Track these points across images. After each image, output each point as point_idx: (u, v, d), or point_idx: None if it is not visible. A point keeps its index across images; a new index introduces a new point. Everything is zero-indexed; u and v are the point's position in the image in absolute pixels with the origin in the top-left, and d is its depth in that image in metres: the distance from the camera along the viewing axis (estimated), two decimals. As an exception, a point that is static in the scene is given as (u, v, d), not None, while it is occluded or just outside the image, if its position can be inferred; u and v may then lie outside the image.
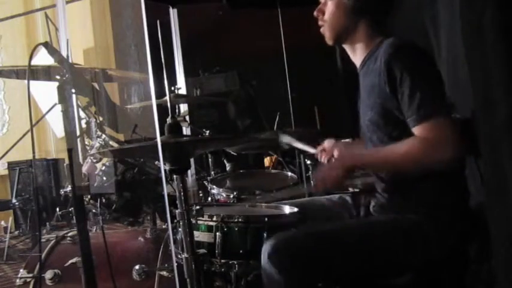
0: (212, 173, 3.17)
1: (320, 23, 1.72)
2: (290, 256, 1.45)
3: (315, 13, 1.72)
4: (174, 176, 1.47)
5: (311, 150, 2.14)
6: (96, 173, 2.47)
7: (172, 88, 3.11)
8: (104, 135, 2.52)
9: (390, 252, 1.53)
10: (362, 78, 1.70)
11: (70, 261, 1.98)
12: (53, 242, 2.24)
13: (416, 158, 1.47)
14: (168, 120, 1.44)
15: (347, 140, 2.07)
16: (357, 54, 1.72)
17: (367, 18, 1.66)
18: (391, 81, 1.51)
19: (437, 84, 1.55)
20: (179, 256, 1.66)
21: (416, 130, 1.48)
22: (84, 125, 2.56)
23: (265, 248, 1.48)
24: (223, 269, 1.66)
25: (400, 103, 1.51)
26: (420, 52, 1.58)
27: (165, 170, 1.58)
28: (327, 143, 2.02)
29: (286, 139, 2.33)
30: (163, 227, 2.45)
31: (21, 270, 2.17)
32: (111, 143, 2.51)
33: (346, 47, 1.74)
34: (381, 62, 1.53)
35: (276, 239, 1.49)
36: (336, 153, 1.85)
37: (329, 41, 1.72)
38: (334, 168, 1.62)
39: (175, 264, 1.73)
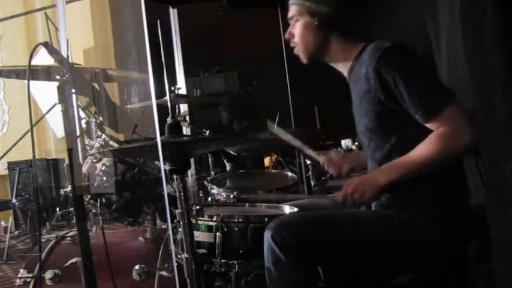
0: (212, 173, 3.18)
1: (292, 44, 1.73)
2: (293, 235, 1.47)
3: (286, 36, 1.72)
4: (174, 176, 1.47)
5: (312, 154, 2.08)
6: (96, 173, 2.47)
7: (172, 88, 3.11)
8: (104, 135, 2.52)
9: (391, 250, 1.53)
10: (352, 86, 1.70)
11: (70, 261, 1.99)
12: (53, 242, 2.24)
13: (442, 155, 1.46)
14: (168, 120, 1.44)
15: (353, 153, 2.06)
16: (339, 66, 1.72)
17: (337, 31, 1.65)
18: (383, 86, 1.50)
19: (432, 75, 1.56)
20: (179, 256, 1.66)
21: (430, 126, 1.48)
22: (84, 125, 2.56)
23: (268, 228, 1.51)
24: (223, 269, 1.66)
25: (400, 104, 1.50)
26: (406, 50, 1.57)
27: (165, 170, 1.58)
28: (335, 156, 1.99)
29: (284, 136, 2.16)
30: (163, 227, 2.45)
31: (21, 270, 2.17)
32: (111, 143, 2.51)
33: (327, 61, 1.73)
34: (368, 69, 1.53)
35: (278, 220, 1.52)
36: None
37: (304, 60, 1.72)
38: (369, 187, 1.55)
39: (175, 264, 1.73)
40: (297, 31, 1.69)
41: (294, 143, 2.10)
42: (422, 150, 1.49)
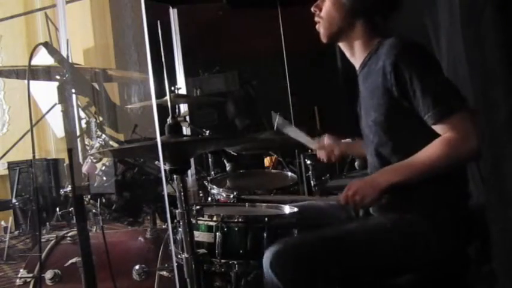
0: (212, 173, 3.17)
1: (316, 19, 1.69)
2: (291, 264, 1.45)
3: (312, 8, 1.69)
4: (174, 176, 1.47)
5: (310, 144, 2.11)
6: (96, 173, 2.47)
7: (172, 88, 3.11)
8: (104, 135, 2.52)
9: (391, 253, 1.52)
10: (363, 79, 1.68)
11: (70, 261, 1.99)
12: (53, 242, 2.24)
13: (445, 160, 1.45)
14: (168, 120, 1.44)
15: (348, 140, 2.06)
16: (354, 55, 1.69)
17: (363, 19, 1.63)
18: (399, 82, 1.49)
19: (446, 79, 1.54)
20: (179, 256, 1.66)
21: (438, 128, 1.47)
22: (84, 125, 2.56)
23: (267, 255, 1.47)
24: (223, 269, 1.66)
25: (412, 103, 1.49)
26: (424, 49, 1.56)
27: (165, 170, 1.58)
28: (326, 140, 2.02)
29: (286, 129, 2.18)
30: (163, 227, 2.45)
31: (21, 270, 2.17)
32: (111, 143, 2.51)
33: (343, 46, 1.71)
34: (386, 63, 1.51)
35: (277, 247, 1.48)
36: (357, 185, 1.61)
37: (323, 38, 1.69)
38: (370, 190, 1.53)
39: (175, 264, 1.73)
40: (326, 6, 1.65)
41: (297, 138, 2.12)
42: (426, 154, 1.48)
